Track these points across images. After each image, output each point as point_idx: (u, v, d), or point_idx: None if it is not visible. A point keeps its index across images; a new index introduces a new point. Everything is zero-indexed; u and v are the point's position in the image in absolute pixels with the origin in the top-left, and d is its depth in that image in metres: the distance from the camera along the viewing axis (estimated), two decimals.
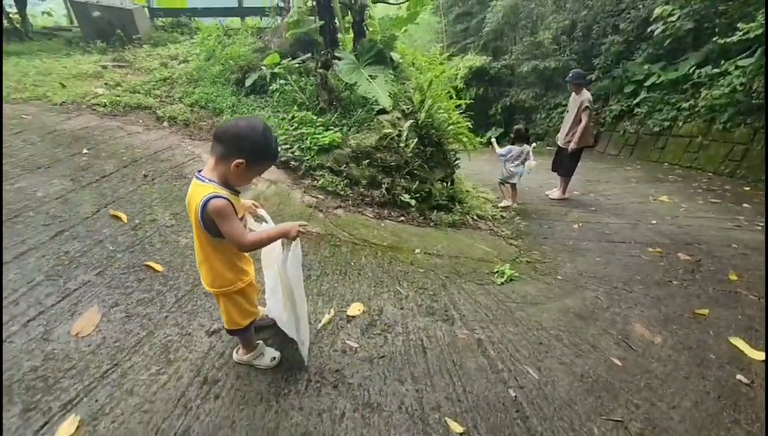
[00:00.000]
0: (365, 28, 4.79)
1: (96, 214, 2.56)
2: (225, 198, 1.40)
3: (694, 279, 3.59)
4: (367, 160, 3.91)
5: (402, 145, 4.21)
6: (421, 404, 1.82)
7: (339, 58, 4.35)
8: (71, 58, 5.84)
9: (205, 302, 2.13)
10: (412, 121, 4.39)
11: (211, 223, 1.43)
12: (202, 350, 1.86)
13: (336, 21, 4.38)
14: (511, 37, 15.37)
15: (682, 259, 4.01)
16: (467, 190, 6.60)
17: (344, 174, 3.78)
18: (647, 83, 10.56)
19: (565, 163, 6.23)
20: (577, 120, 5.68)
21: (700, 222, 4.98)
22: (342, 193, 3.67)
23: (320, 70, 4.03)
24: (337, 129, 3.89)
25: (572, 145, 5.88)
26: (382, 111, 4.31)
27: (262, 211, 1.82)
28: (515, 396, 1.98)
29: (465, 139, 5.82)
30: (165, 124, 4.00)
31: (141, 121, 3.99)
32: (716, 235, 4.44)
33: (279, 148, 1.48)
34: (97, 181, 2.90)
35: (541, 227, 5.20)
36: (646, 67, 10.73)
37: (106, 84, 4.61)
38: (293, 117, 3.89)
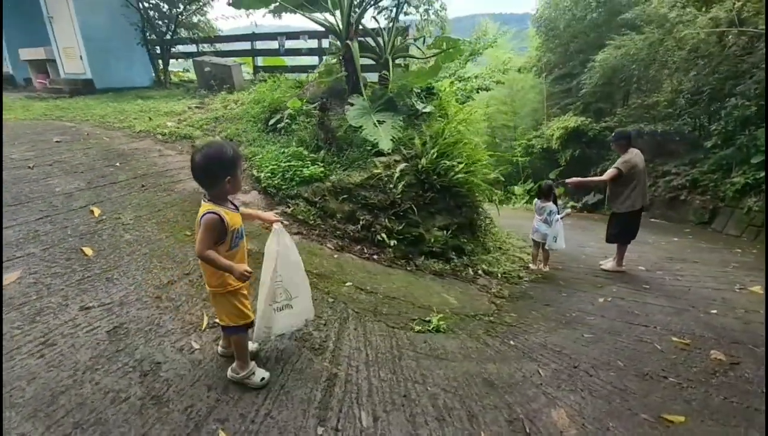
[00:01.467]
0: (388, 79, 5.12)
1: (81, 208, 3.22)
2: (216, 214, 1.75)
3: (705, 383, 2.82)
4: (346, 196, 4.07)
5: (391, 186, 4.28)
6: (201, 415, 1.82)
7: (352, 104, 4.73)
8: (179, 101, 7.38)
9: (100, 285, 2.49)
10: (407, 164, 4.46)
11: None
12: (64, 320, 2.17)
13: (357, 72, 4.80)
14: (616, 99, 14.34)
15: (713, 357, 3.19)
16: (500, 246, 6.23)
17: (318, 206, 3.99)
18: None
19: (609, 229, 5.46)
20: (621, 182, 4.99)
21: None
22: (311, 222, 3.86)
23: (317, 112, 4.44)
24: (322, 165, 4.17)
25: (615, 209, 5.19)
26: (380, 153, 4.48)
27: (277, 226, 2.07)
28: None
29: (487, 192, 5.61)
30: (172, 148, 4.83)
31: (180, 147, 4.87)
32: None
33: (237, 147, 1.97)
34: (103, 186, 3.65)
35: (558, 294, 4.61)
36: None
37: (179, 120, 5.74)
38: (288, 151, 4.31)
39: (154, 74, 9.72)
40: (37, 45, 9.60)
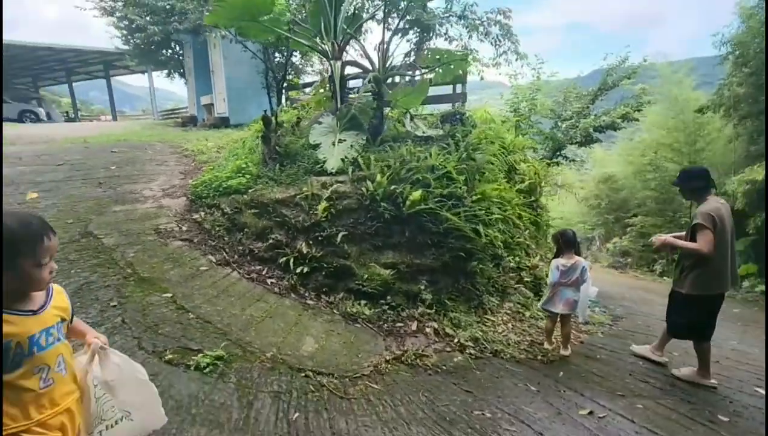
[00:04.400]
0: (382, 99, 4.67)
1: (27, 193, 3.92)
2: None
3: None
4: (259, 211, 3.76)
5: (316, 206, 3.78)
6: None
7: (320, 123, 4.49)
8: None
9: None
10: (346, 187, 3.88)
11: None
12: None
13: (336, 91, 4.56)
14: None
15: None
16: (519, 311, 4.76)
17: (229, 218, 3.79)
18: None
19: (672, 316, 3.49)
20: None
21: None
22: (214, 232, 3.69)
23: (262, 130, 4.31)
24: (249, 177, 3.99)
25: (683, 289, 3.29)
26: (322, 172, 4.07)
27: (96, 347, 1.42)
28: None
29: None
30: (193, 162, 5.36)
31: (185, 160, 5.50)
32: None
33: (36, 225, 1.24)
34: (79, 178, 4.35)
35: (520, 386, 3.20)
36: None
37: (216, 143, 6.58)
38: (236, 163, 4.30)
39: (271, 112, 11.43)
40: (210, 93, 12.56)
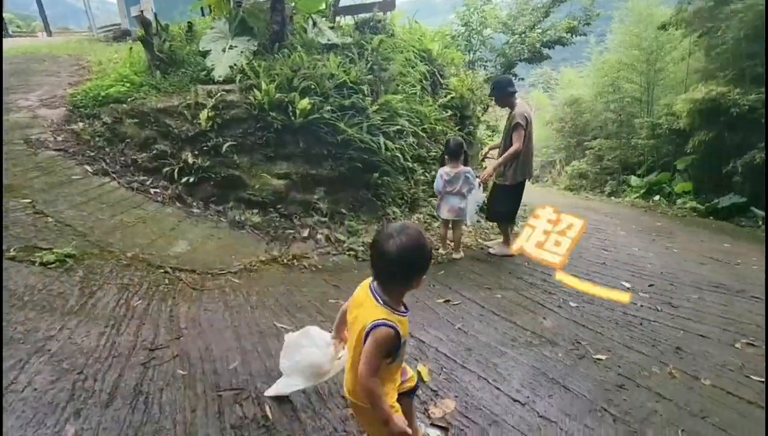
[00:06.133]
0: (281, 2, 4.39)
1: None
2: (393, 328, 1.29)
3: None
4: (139, 120, 3.68)
5: (200, 115, 3.71)
6: None
7: (212, 28, 4.24)
8: None
9: None
10: (232, 95, 3.80)
11: None
12: None
13: None
14: None
15: None
16: (426, 221, 4.98)
17: (110, 128, 3.72)
18: None
19: (495, 206, 4.18)
20: (508, 145, 3.81)
21: None
22: (93, 143, 3.63)
23: (141, 34, 4.06)
24: (129, 85, 3.85)
25: (506, 182, 3.95)
26: (210, 80, 3.94)
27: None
28: None
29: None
30: (88, 73, 5.17)
31: (79, 72, 5.30)
32: None
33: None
34: None
35: None
36: None
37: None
38: (120, 72, 4.11)
39: None
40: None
